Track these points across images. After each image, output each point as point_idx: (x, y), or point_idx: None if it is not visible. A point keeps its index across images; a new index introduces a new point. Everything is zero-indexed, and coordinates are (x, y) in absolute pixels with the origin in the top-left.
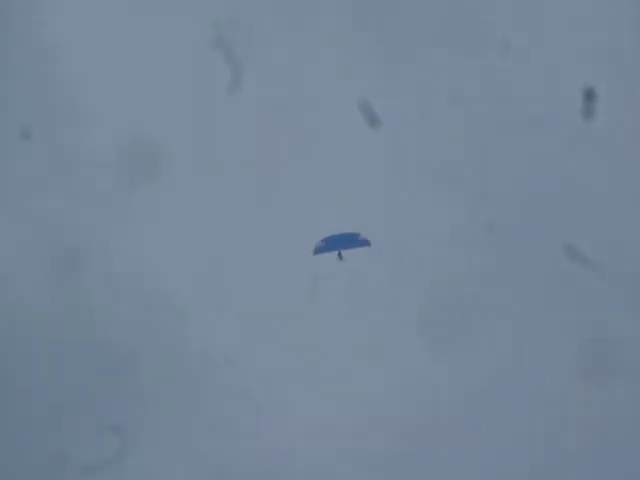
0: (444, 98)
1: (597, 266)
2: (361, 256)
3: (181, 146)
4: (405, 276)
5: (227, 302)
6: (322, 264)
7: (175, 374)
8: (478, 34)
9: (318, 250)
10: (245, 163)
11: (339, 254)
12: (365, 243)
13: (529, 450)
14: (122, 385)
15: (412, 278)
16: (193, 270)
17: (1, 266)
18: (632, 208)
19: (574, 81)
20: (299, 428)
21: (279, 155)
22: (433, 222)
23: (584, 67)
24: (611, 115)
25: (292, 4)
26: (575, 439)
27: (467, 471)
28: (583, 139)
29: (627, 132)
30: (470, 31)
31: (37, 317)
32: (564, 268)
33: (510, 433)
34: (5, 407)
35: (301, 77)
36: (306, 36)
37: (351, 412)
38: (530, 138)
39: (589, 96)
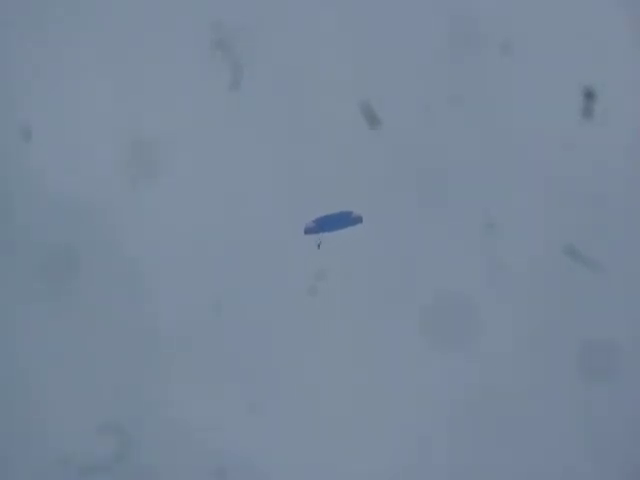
0: (444, 98)
1: (597, 266)
2: (361, 256)
3: (182, 147)
4: (406, 276)
5: (227, 300)
6: (323, 263)
7: (175, 371)
8: (478, 34)
9: (308, 230)
10: (246, 163)
11: (318, 245)
12: (357, 221)
13: (529, 450)
14: (122, 384)
15: (413, 278)
16: (192, 268)
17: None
18: (632, 208)
19: (574, 81)
20: (299, 428)
21: (280, 155)
22: (433, 221)
23: (584, 67)
24: (611, 115)
25: (292, 5)
26: (575, 439)
27: (467, 470)
28: (583, 139)
29: (627, 132)
30: (470, 31)
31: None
32: (564, 268)
33: (510, 433)
34: (5, 407)
35: (301, 77)
36: (306, 36)
37: (351, 411)
38: (530, 138)
39: (589, 96)
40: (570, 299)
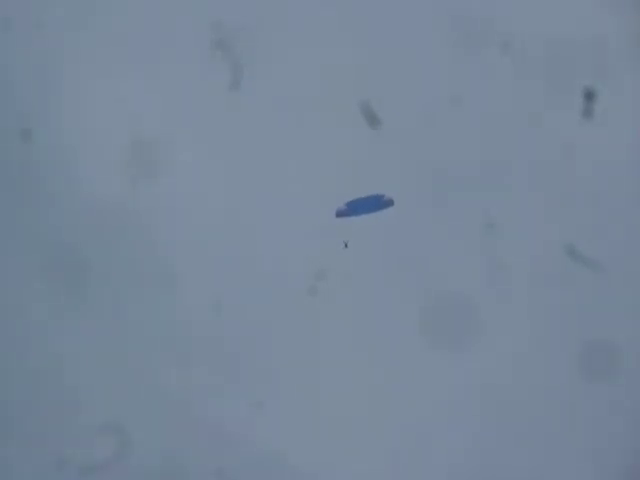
0: (444, 98)
1: (597, 266)
2: (361, 256)
3: (181, 147)
4: (406, 276)
5: (227, 300)
6: (323, 263)
7: (177, 373)
8: (478, 34)
9: (340, 213)
10: (245, 163)
11: (346, 244)
12: (389, 204)
13: (528, 449)
14: (122, 384)
15: (413, 278)
16: (192, 268)
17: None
18: (632, 208)
19: (574, 81)
20: (299, 428)
21: (280, 155)
22: (433, 221)
23: (584, 67)
24: (611, 115)
25: (292, 5)
26: (575, 439)
27: (467, 470)
28: (583, 139)
29: (627, 132)
30: (470, 31)
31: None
32: (564, 268)
33: (510, 432)
34: (4, 407)
35: (301, 77)
36: (306, 36)
37: (351, 411)
38: (530, 138)
39: (589, 96)
40: (570, 299)
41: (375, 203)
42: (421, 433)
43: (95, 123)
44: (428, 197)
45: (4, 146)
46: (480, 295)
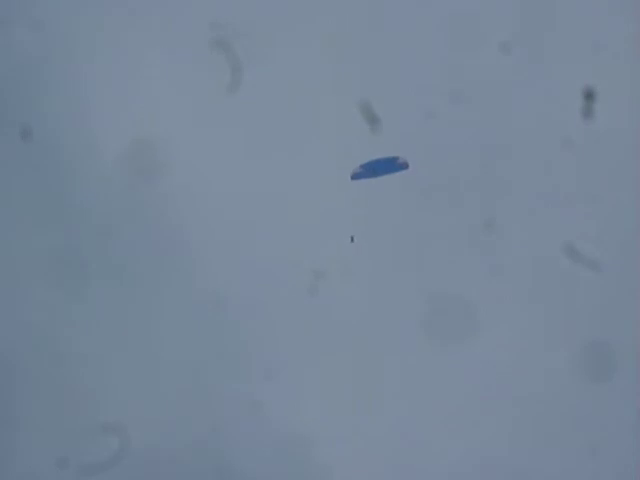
0: (444, 98)
1: (597, 266)
2: (362, 256)
3: (180, 147)
4: (405, 276)
5: (227, 299)
6: (323, 263)
7: (177, 369)
8: (478, 33)
9: (356, 176)
10: (244, 163)
11: (352, 237)
12: (404, 166)
13: (528, 449)
14: (122, 383)
15: (412, 278)
16: (192, 268)
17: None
18: (632, 208)
19: (574, 81)
20: (299, 428)
21: (279, 155)
22: (433, 221)
23: (584, 67)
24: (611, 115)
25: (292, 5)
26: (575, 439)
27: (466, 470)
28: (583, 139)
29: (627, 132)
30: (470, 30)
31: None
32: (564, 268)
33: (509, 433)
34: (5, 406)
35: (301, 77)
36: (306, 36)
37: (351, 412)
38: (530, 137)
39: (589, 96)
40: (570, 299)
41: (390, 166)
42: (422, 432)
43: (95, 122)
44: (428, 196)
45: (4, 145)
46: (480, 295)
